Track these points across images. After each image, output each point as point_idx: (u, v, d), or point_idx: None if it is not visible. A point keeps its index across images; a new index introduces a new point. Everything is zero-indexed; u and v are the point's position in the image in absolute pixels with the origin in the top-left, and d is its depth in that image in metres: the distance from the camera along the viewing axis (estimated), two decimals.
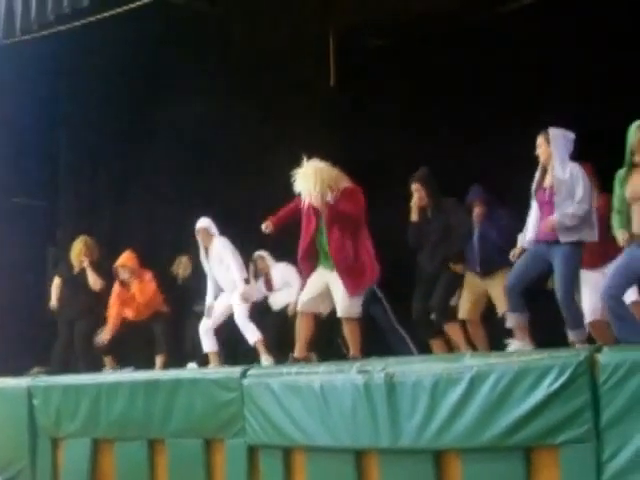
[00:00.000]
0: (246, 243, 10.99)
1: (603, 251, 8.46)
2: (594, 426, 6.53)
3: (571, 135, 8.16)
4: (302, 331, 9.10)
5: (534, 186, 8.30)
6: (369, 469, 7.85)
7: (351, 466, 7.90)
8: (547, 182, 8.15)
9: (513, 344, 8.16)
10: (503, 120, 11.15)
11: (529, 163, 8.22)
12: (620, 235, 7.42)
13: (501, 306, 9.26)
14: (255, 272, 11.83)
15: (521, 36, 11.29)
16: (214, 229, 10.82)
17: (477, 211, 9.84)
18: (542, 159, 8.18)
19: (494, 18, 11.66)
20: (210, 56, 12.42)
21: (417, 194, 9.64)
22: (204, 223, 10.78)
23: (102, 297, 11.71)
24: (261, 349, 10.55)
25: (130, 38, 11.61)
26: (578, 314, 8.19)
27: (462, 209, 9.74)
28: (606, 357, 6.58)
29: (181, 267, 12.36)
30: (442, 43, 11.75)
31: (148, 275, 11.65)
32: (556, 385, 6.70)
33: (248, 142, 12.49)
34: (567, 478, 6.67)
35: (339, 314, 8.99)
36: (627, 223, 7.40)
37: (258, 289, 11.78)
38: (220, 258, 10.68)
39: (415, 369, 7.64)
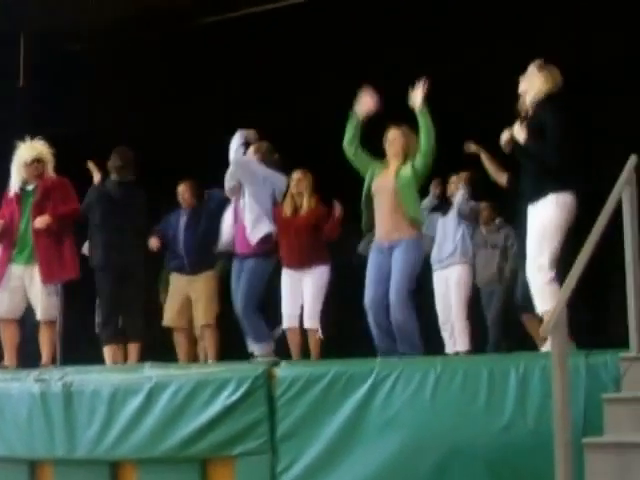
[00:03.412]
0: None
1: (307, 254, 8.22)
2: (270, 438, 6.37)
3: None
4: (7, 340, 8.19)
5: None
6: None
7: (25, 476, 7.36)
8: None
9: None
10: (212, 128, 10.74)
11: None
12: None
13: (200, 317, 8.59)
14: None
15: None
16: None
17: (185, 196, 8.90)
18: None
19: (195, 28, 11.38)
20: None
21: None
22: None
23: None
24: None
25: None
26: (261, 327, 7.82)
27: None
28: (283, 371, 6.44)
29: None
30: (141, 48, 11.33)
31: None
32: (234, 398, 6.48)
33: None
34: None
35: (39, 316, 8.10)
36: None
37: None
38: None
39: (94, 379, 7.22)
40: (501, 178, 7.61)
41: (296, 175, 8.56)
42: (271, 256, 7.92)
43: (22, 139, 8.44)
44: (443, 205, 9.09)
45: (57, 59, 11.55)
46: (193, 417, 6.61)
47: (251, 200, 7.88)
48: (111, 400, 6.98)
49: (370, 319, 6.98)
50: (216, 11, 11.21)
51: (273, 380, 6.39)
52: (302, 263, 8.30)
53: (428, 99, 6.97)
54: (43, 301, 8.05)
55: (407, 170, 7.02)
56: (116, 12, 10.65)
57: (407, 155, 7.10)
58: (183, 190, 8.92)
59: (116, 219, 8.34)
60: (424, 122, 6.94)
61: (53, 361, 8.35)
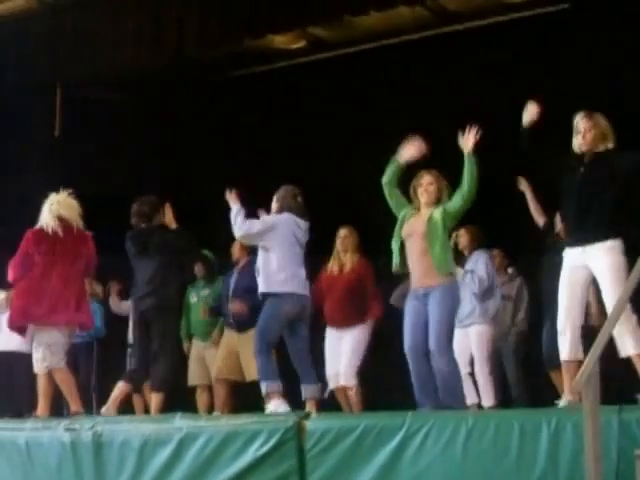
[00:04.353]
0: None
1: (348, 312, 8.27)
2: None
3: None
4: (42, 390, 7.95)
5: None
6: None
7: None
8: None
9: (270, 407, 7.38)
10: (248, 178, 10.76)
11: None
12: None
13: (252, 373, 8.26)
14: None
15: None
16: None
17: (238, 254, 8.84)
18: None
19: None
20: None
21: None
22: None
23: None
24: None
25: None
26: (268, 366, 7.36)
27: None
28: (313, 424, 6.31)
29: None
30: (162, 101, 11.45)
31: None
32: (263, 450, 6.36)
33: None
34: None
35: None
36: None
37: None
38: None
39: (124, 428, 7.17)
40: (540, 219, 7.68)
41: (342, 232, 8.46)
42: (285, 295, 7.34)
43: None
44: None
45: (93, 108, 11.65)
46: (223, 469, 6.51)
47: (264, 254, 7.45)
48: (141, 450, 6.90)
49: (411, 367, 6.85)
50: (252, 63, 11.31)
51: (303, 433, 6.27)
52: (343, 321, 8.24)
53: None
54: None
55: (437, 215, 6.86)
56: (152, 61, 10.76)
57: (439, 199, 6.98)
58: (234, 248, 8.87)
59: (137, 267, 8.16)
60: (470, 167, 6.79)
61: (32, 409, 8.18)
